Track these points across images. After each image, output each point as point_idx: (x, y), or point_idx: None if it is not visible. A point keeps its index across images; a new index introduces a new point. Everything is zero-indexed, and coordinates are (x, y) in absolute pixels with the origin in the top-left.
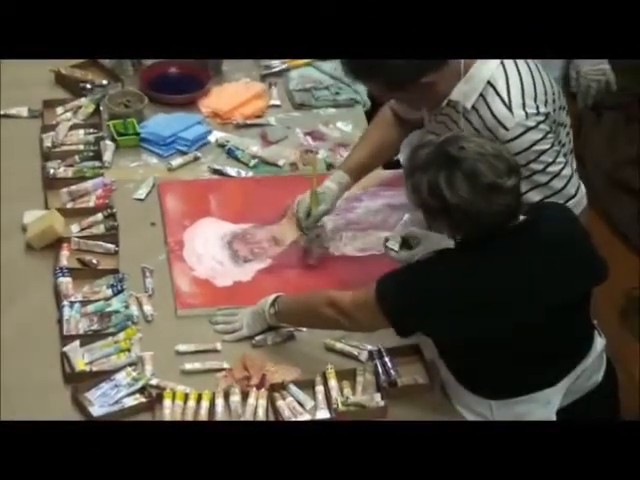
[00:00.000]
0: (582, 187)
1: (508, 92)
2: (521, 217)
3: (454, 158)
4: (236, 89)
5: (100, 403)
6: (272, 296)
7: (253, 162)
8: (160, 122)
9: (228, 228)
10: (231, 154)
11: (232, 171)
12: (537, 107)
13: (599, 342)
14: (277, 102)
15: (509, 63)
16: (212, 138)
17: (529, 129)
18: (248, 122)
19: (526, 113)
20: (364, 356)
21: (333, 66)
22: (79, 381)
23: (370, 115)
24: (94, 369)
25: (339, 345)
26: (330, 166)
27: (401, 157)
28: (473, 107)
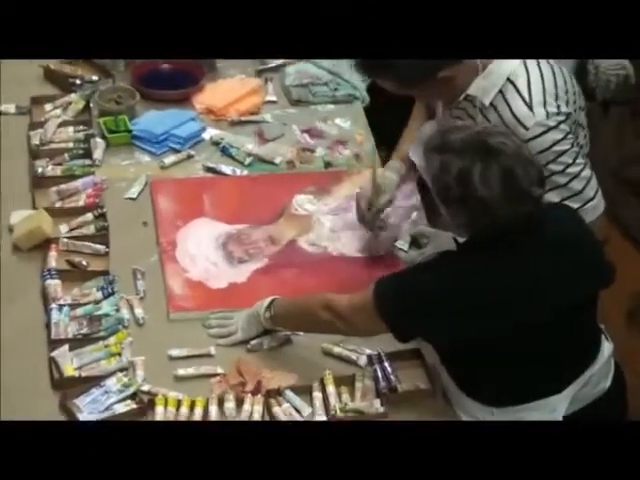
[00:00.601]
0: (600, 191)
1: (529, 90)
2: None
3: (494, 150)
4: (231, 85)
5: (89, 410)
6: (268, 299)
7: (248, 160)
8: (152, 119)
9: (222, 229)
10: (226, 152)
11: (227, 169)
12: (558, 106)
13: (607, 347)
14: (273, 98)
15: (531, 60)
16: (206, 135)
17: (550, 129)
18: (243, 119)
19: (547, 112)
20: (363, 361)
21: (331, 61)
22: (68, 387)
23: (369, 111)
24: (83, 374)
25: (337, 349)
26: (328, 164)
27: (411, 154)
28: (491, 104)
